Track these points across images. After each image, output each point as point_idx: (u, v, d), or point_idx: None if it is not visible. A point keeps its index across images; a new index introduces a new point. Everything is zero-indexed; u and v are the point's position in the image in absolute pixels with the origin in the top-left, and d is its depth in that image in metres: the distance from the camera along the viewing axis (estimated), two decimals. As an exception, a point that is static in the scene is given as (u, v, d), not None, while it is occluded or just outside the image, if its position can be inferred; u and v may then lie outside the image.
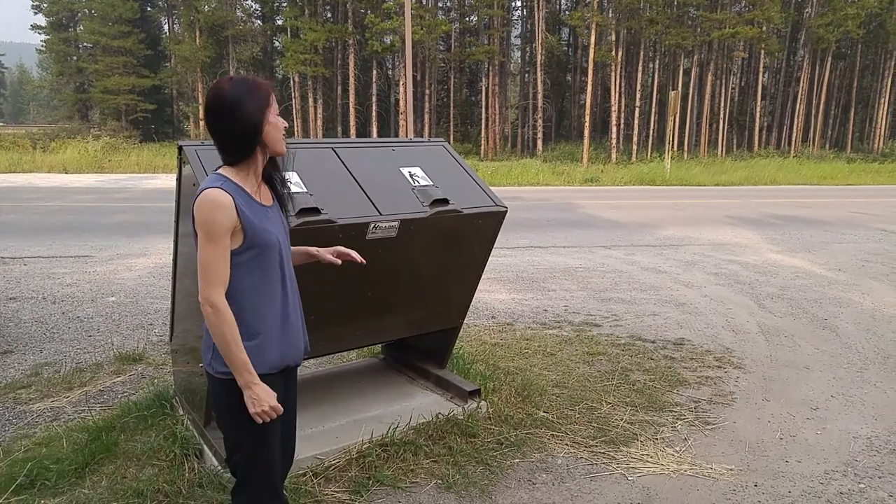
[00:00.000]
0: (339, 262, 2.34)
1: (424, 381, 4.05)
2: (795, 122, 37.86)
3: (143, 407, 3.61)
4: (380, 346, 4.48)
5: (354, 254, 2.35)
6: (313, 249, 2.32)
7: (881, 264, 8.53)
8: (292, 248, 2.21)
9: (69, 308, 6.00)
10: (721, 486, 3.11)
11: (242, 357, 1.87)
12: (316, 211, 2.82)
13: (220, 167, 1.98)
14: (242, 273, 1.92)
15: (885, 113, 38.69)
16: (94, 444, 3.23)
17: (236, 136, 1.91)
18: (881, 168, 28.82)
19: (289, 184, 2.83)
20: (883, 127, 38.89)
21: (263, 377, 1.95)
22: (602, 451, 3.42)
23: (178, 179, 3.13)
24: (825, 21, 34.92)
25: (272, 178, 2.09)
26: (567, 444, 3.48)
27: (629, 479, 3.16)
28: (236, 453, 2.06)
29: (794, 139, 37.47)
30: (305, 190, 2.92)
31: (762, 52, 36.69)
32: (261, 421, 1.91)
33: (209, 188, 1.86)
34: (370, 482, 3.01)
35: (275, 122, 1.94)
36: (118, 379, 4.34)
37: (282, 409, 1.94)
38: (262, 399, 1.89)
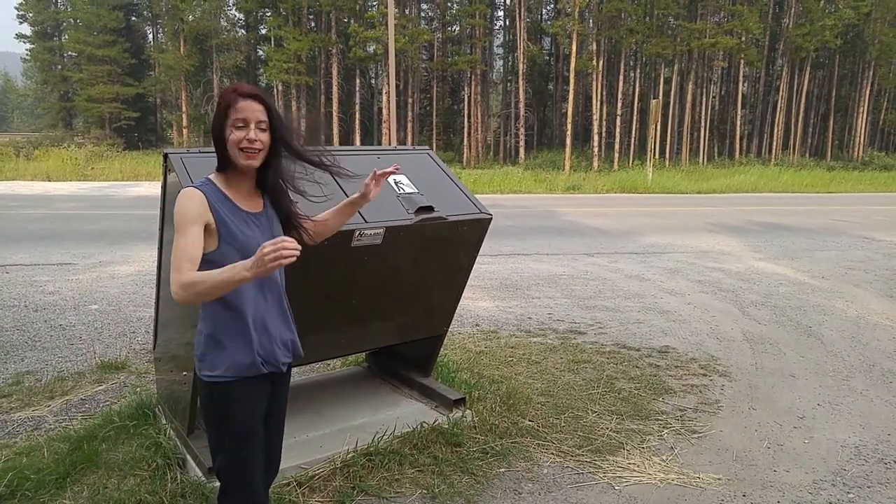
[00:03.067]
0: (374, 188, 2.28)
1: (409, 389, 4.03)
2: (775, 131, 38.34)
3: (126, 416, 3.56)
4: (364, 354, 4.44)
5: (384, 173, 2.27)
6: (350, 199, 2.27)
7: (864, 272, 8.63)
8: (331, 210, 2.29)
9: (51, 316, 5.91)
10: (709, 495, 3.11)
11: (219, 276, 1.74)
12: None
13: (211, 173, 2.03)
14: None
15: (863, 121, 39.31)
16: (75, 454, 3.18)
17: (213, 139, 1.98)
18: (861, 176, 29.26)
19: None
20: (862, 135, 39.50)
21: (245, 380, 1.96)
22: (588, 460, 3.41)
23: (163, 187, 3.10)
24: (803, 31, 35.48)
25: (274, 188, 2.08)
26: (553, 454, 3.46)
27: (615, 488, 3.15)
28: (217, 457, 2.07)
29: (774, 147, 37.93)
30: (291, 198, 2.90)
31: (741, 61, 37.17)
32: (281, 259, 1.67)
33: (186, 187, 1.94)
34: (355, 492, 2.98)
35: (228, 136, 1.93)
36: (100, 387, 4.28)
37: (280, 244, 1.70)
38: (265, 262, 1.68)
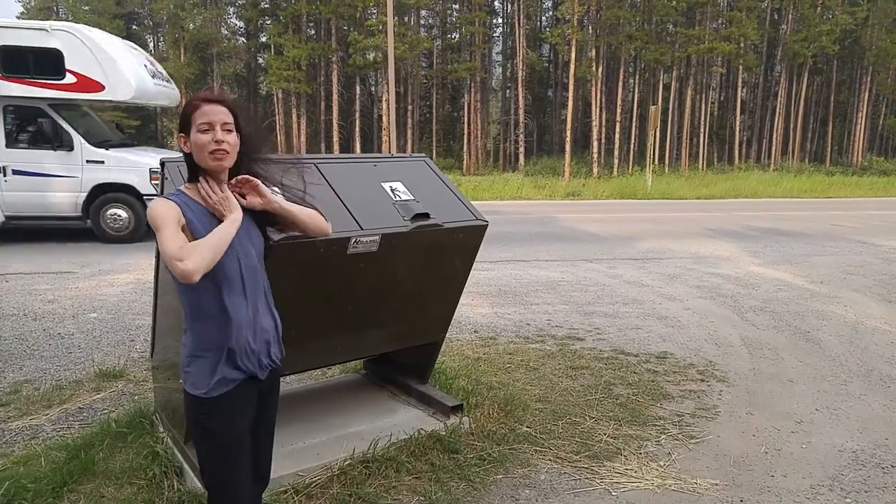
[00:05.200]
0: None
1: (406, 396, 4.03)
2: (774, 136, 38.40)
3: (123, 424, 3.56)
4: (361, 361, 4.45)
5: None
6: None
7: (862, 276, 8.63)
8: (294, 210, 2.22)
9: (50, 325, 5.92)
10: (706, 501, 3.11)
11: (219, 233, 1.89)
12: (296, 226, 2.80)
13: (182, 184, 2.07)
14: (203, 287, 1.92)
15: (862, 127, 39.37)
16: (72, 463, 3.18)
17: (182, 154, 2.01)
18: (860, 181, 29.24)
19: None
20: (861, 141, 39.55)
21: (229, 393, 1.97)
22: (585, 465, 3.41)
23: (161, 194, 3.11)
24: (800, 37, 35.58)
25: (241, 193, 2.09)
26: (550, 460, 3.46)
27: (613, 494, 3.15)
28: (204, 470, 2.08)
29: (773, 152, 37.97)
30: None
31: (740, 67, 37.27)
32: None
33: (156, 198, 1.98)
34: (352, 499, 2.98)
35: (194, 139, 1.95)
36: (98, 396, 4.28)
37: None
38: (225, 204, 1.96)
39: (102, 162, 10.46)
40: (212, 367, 1.96)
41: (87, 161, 10.34)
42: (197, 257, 1.79)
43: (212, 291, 1.94)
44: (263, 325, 2.06)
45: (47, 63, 10.04)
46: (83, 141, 10.38)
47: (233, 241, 1.94)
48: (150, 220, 1.90)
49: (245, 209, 2.05)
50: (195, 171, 2.01)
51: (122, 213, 10.49)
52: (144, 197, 10.47)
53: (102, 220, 10.46)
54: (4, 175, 10.16)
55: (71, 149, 10.27)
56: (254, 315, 2.02)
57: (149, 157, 10.87)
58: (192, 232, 1.92)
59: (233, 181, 2.06)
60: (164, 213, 1.88)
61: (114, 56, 10.39)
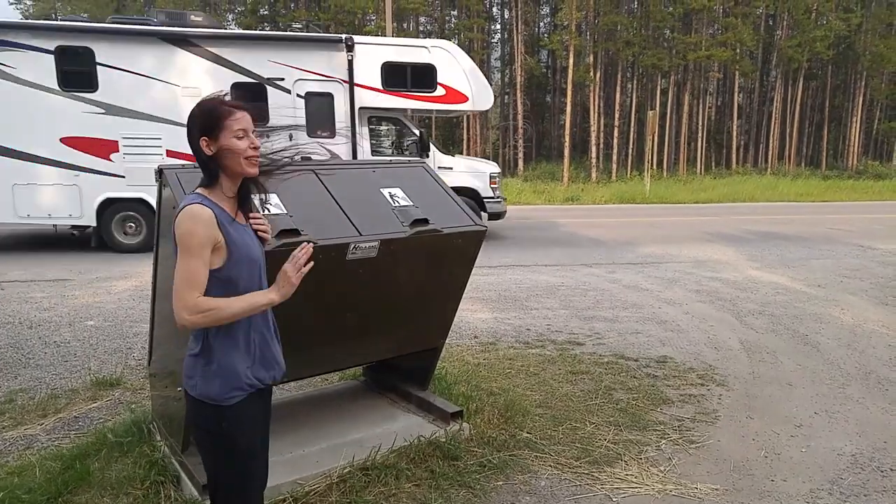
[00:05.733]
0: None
1: (406, 403, 4.01)
2: (771, 141, 38.52)
3: (119, 433, 3.54)
4: (361, 367, 4.43)
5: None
6: None
7: (859, 280, 8.63)
8: None
9: (46, 333, 5.89)
10: (706, 505, 3.10)
11: (247, 302, 1.90)
12: (296, 232, 2.80)
13: (197, 188, 2.01)
14: (225, 291, 1.92)
15: (857, 131, 39.50)
16: (67, 473, 3.15)
17: (197, 157, 1.98)
18: (856, 185, 29.31)
19: (268, 206, 2.82)
20: (856, 145, 39.68)
21: (245, 400, 1.96)
22: (586, 471, 3.40)
23: (158, 202, 3.10)
24: (794, 42, 35.76)
25: (248, 198, 2.09)
26: (551, 466, 3.45)
27: (613, 500, 3.14)
28: (219, 478, 2.06)
29: (770, 157, 38.08)
30: (286, 211, 2.91)
31: (736, 72, 37.40)
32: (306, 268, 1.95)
33: (189, 204, 1.89)
34: (352, 507, 2.96)
35: (228, 146, 1.93)
36: (94, 405, 4.26)
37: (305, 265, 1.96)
38: (289, 278, 1.92)
39: (451, 168, 11.72)
40: (235, 375, 1.95)
41: (440, 167, 11.30)
42: (205, 321, 1.84)
43: (240, 290, 1.96)
44: (268, 336, 2.09)
45: (422, 77, 11.16)
46: (435, 148, 11.73)
47: (259, 255, 2.02)
48: (182, 232, 1.85)
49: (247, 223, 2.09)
50: (215, 175, 1.98)
51: None
52: (485, 200, 11.73)
53: None
54: None
55: (427, 155, 11.22)
56: (260, 324, 2.04)
57: (485, 165, 12.34)
58: (230, 248, 1.91)
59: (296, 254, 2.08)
60: (197, 234, 1.84)
61: (476, 71, 11.60)
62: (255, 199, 2.12)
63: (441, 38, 40.11)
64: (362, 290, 3.21)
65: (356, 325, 3.35)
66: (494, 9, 43.65)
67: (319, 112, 10.81)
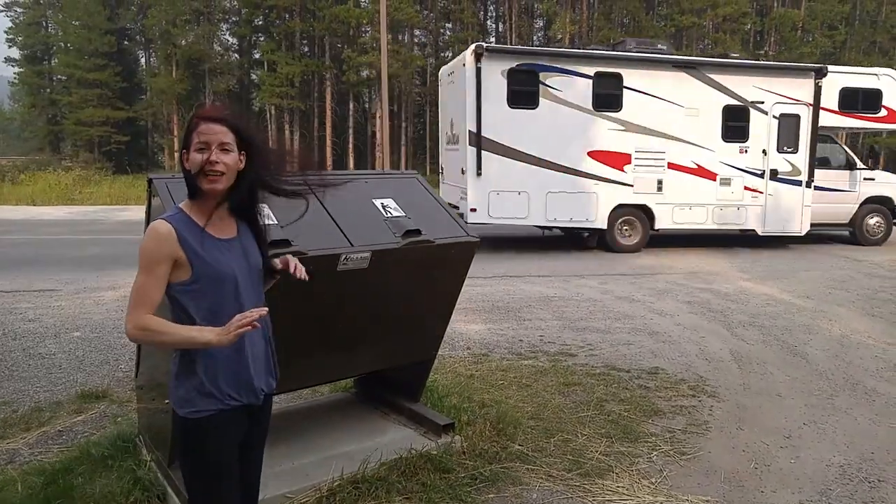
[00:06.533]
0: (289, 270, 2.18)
1: (397, 415, 3.98)
2: (762, 154, 38.78)
3: (104, 447, 3.47)
4: (352, 379, 4.40)
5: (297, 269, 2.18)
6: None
7: (846, 291, 8.68)
8: None
9: (30, 344, 5.83)
10: (697, 517, 3.08)
11: (186, 333, 1.84)
12: (286, 243, 2.78)
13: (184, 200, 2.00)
14: (194, 303, 1.89)
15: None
16: (49, 489, 3.09)
17: (182, 171, 1.96)
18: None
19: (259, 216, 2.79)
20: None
21: (221, 413, 1.93)
22: (577, 483, 3.38)
23: (147, 212, 3.08)
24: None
25: (249, 211, 2.07)
26: (542, 478, 3.43)
27: (605, 512, 3.12)
28: (191, 494, 2.03)
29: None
30: (276, 222, 2.89)
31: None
32: (247, 328, 1.80)
33: (158, 219, 1.90)
34: (341, 521, 2.93)
35: (191, 158, 1.90)
36: (79, 418, 4.20)
37: (256, 313, 1.82)
38: (228, 332, 1.80)
39: (874, 179, 13.48)
40: (204, 388, 1.92)
41: (864, 178, 13.25)
42: (144, 338, 1.88)
43: (208, 305, 1.92)
44: (259, 350, 2.04)
45: (870, 100, 12.85)
46: (859, 161, 13.49)
47: (235, 271, 1.94)
48: (140, 248, 1.86)
49: (247, 226, 2.07)
50: (193, 188, 1.95)
51: (881, 222, 13.29)
52: None
53: (864, 227, 13.26)
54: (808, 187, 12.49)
55: (853, 168, 13.18)
56: (248, 342, 1.97)
57: None
58: (192, 264, 1.88)
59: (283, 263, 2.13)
60: (153, 252, 1.85)
61: None
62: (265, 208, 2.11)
63: (435, 50, 40.44)
64: (353, 301, 3.19)
65: (347, 337, 3.33)
66: (489, 22, 43.96)
67: (787, 131, 12.29)
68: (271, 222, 2.85)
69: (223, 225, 2.00)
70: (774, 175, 12.35)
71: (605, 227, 11.81)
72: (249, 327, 1.79)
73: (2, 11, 40.61)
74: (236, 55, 41.43)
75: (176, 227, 1.88)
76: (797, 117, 12.30)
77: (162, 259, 1.85)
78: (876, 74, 13.04)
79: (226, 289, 1.93)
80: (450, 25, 40.27)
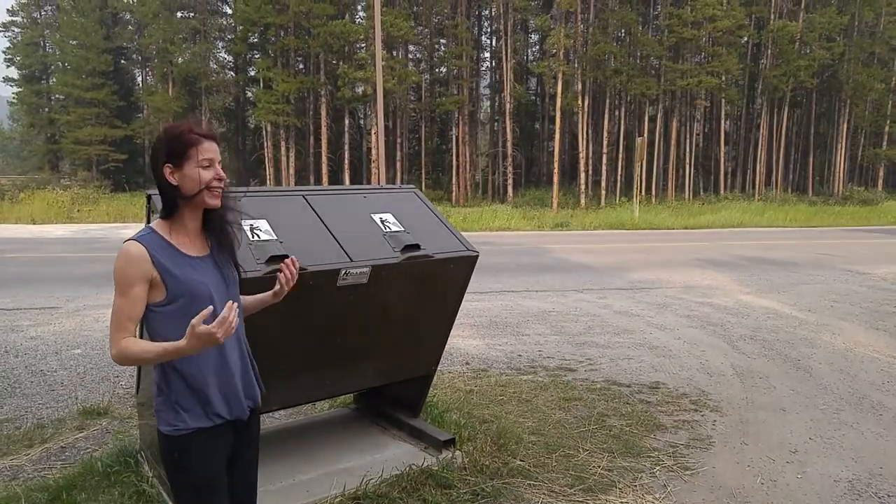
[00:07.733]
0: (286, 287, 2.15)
1: (398, 431, 3.96)
2: (758, 167, 38.93)
3: (107, 463, 3.46)
4: (352, 395, 4.38)
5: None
6: (269, 294, 2.19)
7: (849, 304, 8.68)
8: (249, 297, 2.17)
9: (32, 361, 5.80)
10: (702, 532, 3.06)
11: (160, 348, 1.77)
12: (285, 258, 2.77)
13: (155, 220, 1.98)
14: (170, 324, 1.87)
15: (842, 157, 40.03)
16: (52, 505, 3.08)
17: (158, 185, 1.93)
18: (842, 210, 29.68)
19: (257, 232, 2.80)
20: (841, 171, 40.18)
21: (204, 431, 1.92)
22: (580, 499, 3.35)
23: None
24: (779, 72, 36.38)
25: (222, 228, 2.02)
26: (544, 494, 3.40)
27: (609, 527, 3.09)
28: None
29: (757, 183, 38.45)
30: (275, 237, 2.89)
31: (723, 100, 37.94)
32: (221, 336, 1.68)
33: (129, 240, 1.87)
34: (343, 539, 2.90)
35: (192, 175, 1.88)
36: (81, 434, 4.18)
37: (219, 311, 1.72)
38: (200, 339, 1.68)
39: None
40: (185, 406, 1.90)
41: None
42: (125, 361, 1.83)
43: (185, 325, 1.87)
44: (238, 367, 2.01)
45: None
46: None
47: (210, 289, 1.91)
48: (114, 270, 1.85)
49: (218, 243, 2.02)
50: (175, 205, 1.92)
51: None
52: None
53: None
54: None
55: None
56: (226, 356, 1.96)
57: None
58: (166, 283, 1.86)
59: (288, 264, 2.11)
60: (126, 274, 1.83)
61: None
62: (237, 229, 2.05)
63: (431, 66, 40.72)
64: (353, 316, 3.19)
65: (347, 352, 3.33)
66: (483, 37, 44.24)
67: None
68: (269, 237, 2.86)
69: (196, 243, 1.98)
70: None
71: None
72: (219, 329, 1.67)
73: (0, 32, 40.88)
74: (232, 73, 41.65)
75: (147, 246, 1.86)
76: None
77: (135, 280, 1.83)
78: None
79: (202, 306, 1.85)
80: (444, 41, 40.52)
